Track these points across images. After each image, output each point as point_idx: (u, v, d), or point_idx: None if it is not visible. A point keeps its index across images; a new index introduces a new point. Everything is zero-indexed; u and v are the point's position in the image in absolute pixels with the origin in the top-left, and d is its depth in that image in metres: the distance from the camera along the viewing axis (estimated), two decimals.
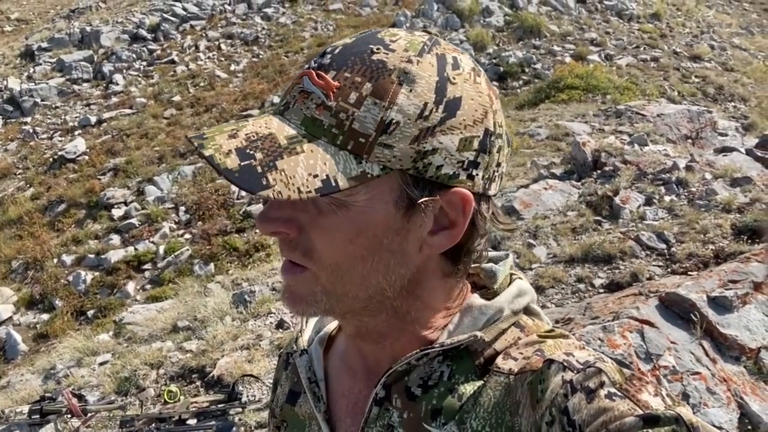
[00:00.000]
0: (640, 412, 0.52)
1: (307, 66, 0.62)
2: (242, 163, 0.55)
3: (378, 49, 0.59)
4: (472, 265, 0.72)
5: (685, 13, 16.28)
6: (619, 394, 0.54)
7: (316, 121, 0.58)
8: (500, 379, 0.63)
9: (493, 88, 0.65)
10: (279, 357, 0.89)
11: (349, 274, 0.62)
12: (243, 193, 9.82)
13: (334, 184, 0.56)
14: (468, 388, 0.64)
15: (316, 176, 0.56)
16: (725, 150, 6.00)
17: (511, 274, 0.73)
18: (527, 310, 0.71)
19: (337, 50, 0.61)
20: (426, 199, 0.60)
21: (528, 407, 0.59)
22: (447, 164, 0.60)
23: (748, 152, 5.81)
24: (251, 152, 0.56)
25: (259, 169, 0.55)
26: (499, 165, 0.65)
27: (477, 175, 0.62)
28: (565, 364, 0.59)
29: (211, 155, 0.56)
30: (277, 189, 0.55)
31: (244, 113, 11.87)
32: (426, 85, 0.59)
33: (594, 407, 0.54)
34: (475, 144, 0.61)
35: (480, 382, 0.64)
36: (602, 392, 0.55)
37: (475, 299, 0.70)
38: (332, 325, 0.82)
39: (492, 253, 0.75)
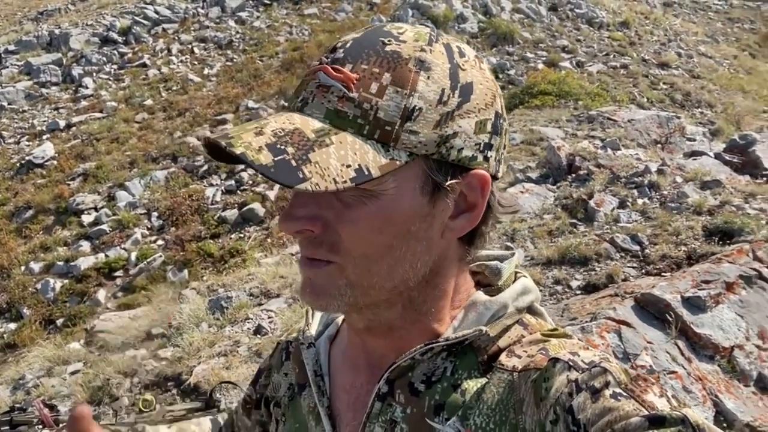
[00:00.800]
0: (646, 412, 0.52)
1: (317, 63, 0.62)
2: (276, 159, 0.55)
3: (389, 40, 0.61)
4: (477, 263, 0.73)
5: (652, 22, 16.68)
6: (625, 394, 0.54)
7: (340, 113, 0.59)
8: (504, 376, 0.63)
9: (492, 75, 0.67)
10: (276, 345, 0.89)
11: (377, 264, 0.62)
12: (218, 198, 9.70)
13: (367, 173, 0.57)
14: (471, 384, 0.64)
15: (349, 166, 0.57)
16: (695, 154, 6.16)
17: (516, 273, 0.74)
18: (531, 310, 0.71)
19: (348, 44, 0.62)
20: (452, 182, 0.62)
21: (532, 405, 0.59)
22: (466, 147, 0.62)
23: (717, 156, 5.96)
24: (282, 147, 0.56)
25: (294, 162, 0.55)
26: (504, 147, 0.68)
27: (491, 156, 0.65)
28: (570, 363, 0.59)
29: (243, 153, 0.55)
30: (314, 181, 0.55)
31: (218, 117, 11.74)
32: (441, 71, 0.60)
33: (599, 407, 0.53)
34: (489, 126, 0.63)
35: (483, 379, 0.64)
36: (607, 392, 0.54)
37: (480, 295, 0.70)
38: (339, 320, 0.82)
39: (497, 252, 0.76)
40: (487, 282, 0.73)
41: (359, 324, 0.70)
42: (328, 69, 0.60)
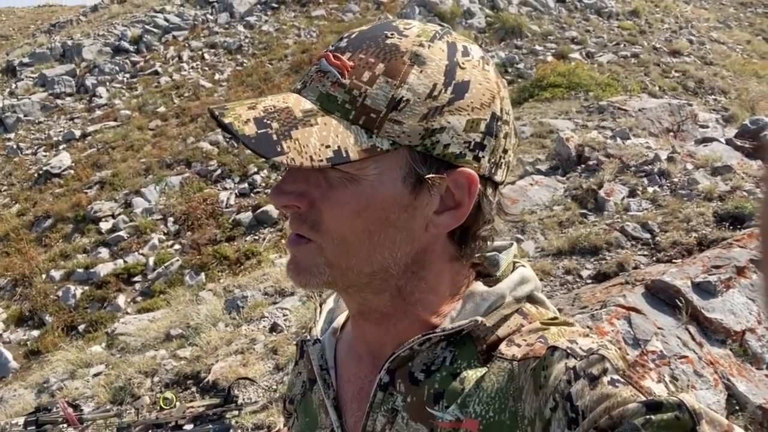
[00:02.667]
0: (643, 398, 0.52)
1: (325, 50, 0.66)
2: (259, 131, 0.59)
3: (392, 34, 0.63)
4: (477, 253, 0.73)
5: (663, 9, 16.51)
6: (622, 380, 0.55)
7: (331, 97, 0.62)
8: (503, 365, 0.64)
9: (501, 78, 0.68)
10: (296, 345, 0.91)
11: (354, 247, 0.64)
12: (232, 202, 9.81)
13: (345, 155, 0.59)
14: (470, 373, 0.65)
15: (328, 147, 0.59)
16: (705, 141, 6.11)
17: (515, 262, 0.75)
18: (531, 298, 0.72)
19: (353, 35, 0.65)
20: (433, 175, 0.63)
21: (531, 393, 0.60)
22: (454, 143, 0.62)
23: (728, 142, 5.91)
24: (268, 122, 0.60)
25: (275, 137, 0.59)
26: (505, 152, 0.67)
27: (483, 157, 0.64)
28: (569, 351, 0.59)
29: (230, 122, 0.59)
30: (290, 156, 0.58)
31: None
32: (436, 67, 0.62)
33: (597, 393, 0.54)
34: (482, 126, 0.64)
35: (483, 368, 0.65)
36: (605, 379, 0.55)
37: (478, 286, 0.71)
38: (343, 316, 0.84)
39: (496, 243, 0.77)
40: (487, 273, 0.74)
41: (352, 307, 0.73)
42: (329, 56, 0.63)
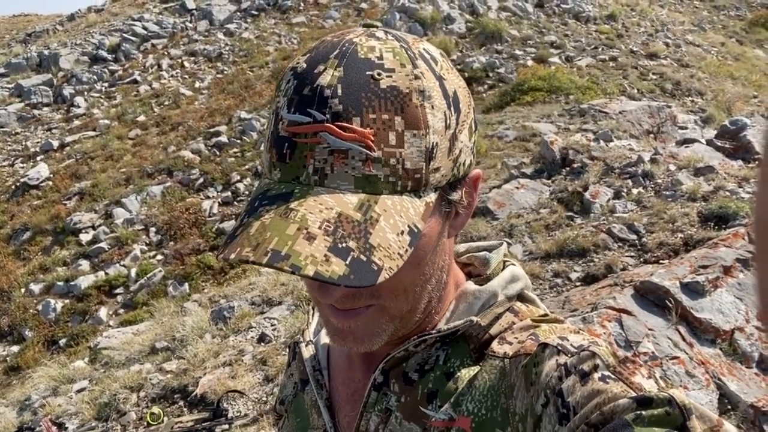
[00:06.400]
0: (634, 394, 0.52)
1: (308, 120, 0.55)
2: (347, 262, 0.53)
3: (379, 74, 0.57)
4: (467, 255, 0.76)
5: (639, 13, 16.76)
6: (613, 376, 0.55)
7: (371, 178, 0.56)
8: (495, 363, 0.64)
9: None
10: (288, 347, 0.91)
11: (412, 292, 0.64)
12: (215, 210, 9.71)
13: (416, 231, 0.58)
14: (463, 372, 0.65)
15: (402, 232, 0.56)
16: (687, 142, 6.18)
17: (505, 261, 0.75)
18: (522, 297, 0.73)
19: (339, 90, 0.56)
20: (462, 193, 0.64)
21: (522, 390, 0.60)
22: (467, 157, 0.64)
23: (709, 143, 5.99)
24: (343, 245, 0.53)
25: (363, 258, 0.53)
26: None
27: (474, 152, 0.67)
28: (560, 347, 0.59)
29: (317, 272, 0.51)
30: (387, 266, 0.54)
31: (212, 129, 11.76)
32: (436, 94, 0.59)
33: (588, 389, 0.54)
34: (473, 126, 0.65)
35: (476, 367, 0.65)
36: (596, 375, 0.55)
37: (470, 285, 0.72)
38: None
39: (486, 243, 0.78)
40: (478, 273, 0.75)
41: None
42: (334, 130, 0.55)
